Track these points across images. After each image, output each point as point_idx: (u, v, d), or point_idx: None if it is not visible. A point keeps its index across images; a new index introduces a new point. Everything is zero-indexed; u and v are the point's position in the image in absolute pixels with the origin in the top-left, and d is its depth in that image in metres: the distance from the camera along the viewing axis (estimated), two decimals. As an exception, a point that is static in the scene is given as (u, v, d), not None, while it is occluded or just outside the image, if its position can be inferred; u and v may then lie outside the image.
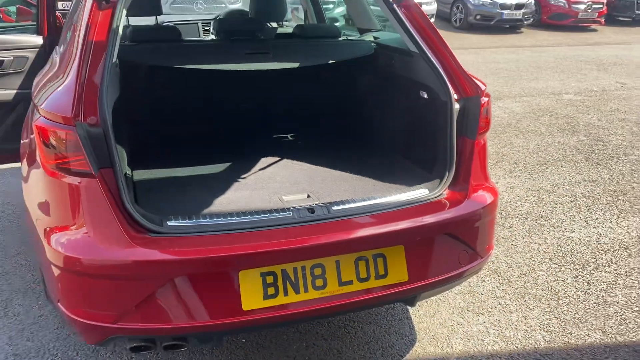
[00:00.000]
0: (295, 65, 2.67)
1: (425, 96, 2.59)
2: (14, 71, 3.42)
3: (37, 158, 1.98)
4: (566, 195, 4.36)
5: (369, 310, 2.80)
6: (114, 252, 1.84)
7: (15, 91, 3.43)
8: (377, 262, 2.05)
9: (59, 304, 1.96)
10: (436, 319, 2.81)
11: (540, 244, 3.58)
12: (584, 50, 12.21)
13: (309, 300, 1.97)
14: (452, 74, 2.38)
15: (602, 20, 15.83)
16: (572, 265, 3.34)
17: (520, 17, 14.76)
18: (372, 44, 3.02)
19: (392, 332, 2.70)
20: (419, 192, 2.28)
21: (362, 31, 3.40)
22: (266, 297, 1.93)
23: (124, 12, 2.21)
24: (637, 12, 16.55)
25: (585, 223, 3.90)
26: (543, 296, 3.02)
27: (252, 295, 1.92)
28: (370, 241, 2.06)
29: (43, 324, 2.71)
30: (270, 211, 2.10)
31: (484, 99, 2.34)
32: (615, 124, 6.36)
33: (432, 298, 2.90)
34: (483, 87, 2.36)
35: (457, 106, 2.33)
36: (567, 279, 3.19)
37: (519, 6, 14.70)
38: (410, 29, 2.51)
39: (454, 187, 2.30)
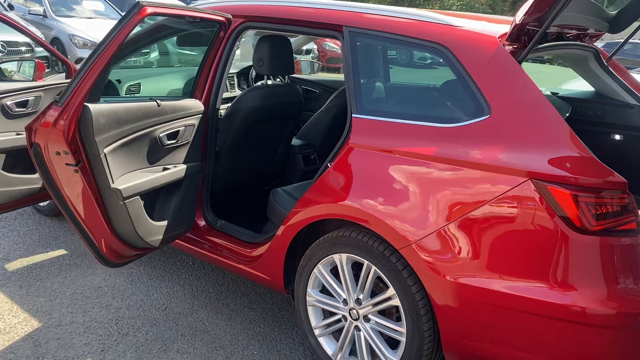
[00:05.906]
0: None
1: (617, 138, 3.20)
2: (183, 143, 2.88)
3: (554, 224, 1.98)
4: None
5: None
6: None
7: (185, 166, 2.88)
8: None
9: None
10: None
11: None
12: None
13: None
14: None
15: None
16: None
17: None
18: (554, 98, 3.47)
19: None
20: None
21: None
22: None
23: None
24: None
25: None
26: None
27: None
28: None
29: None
30: None
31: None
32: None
33: None
34: None
35: None
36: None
37: (308, 51, 16.25)
38: (626, 83, 3.10)
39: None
